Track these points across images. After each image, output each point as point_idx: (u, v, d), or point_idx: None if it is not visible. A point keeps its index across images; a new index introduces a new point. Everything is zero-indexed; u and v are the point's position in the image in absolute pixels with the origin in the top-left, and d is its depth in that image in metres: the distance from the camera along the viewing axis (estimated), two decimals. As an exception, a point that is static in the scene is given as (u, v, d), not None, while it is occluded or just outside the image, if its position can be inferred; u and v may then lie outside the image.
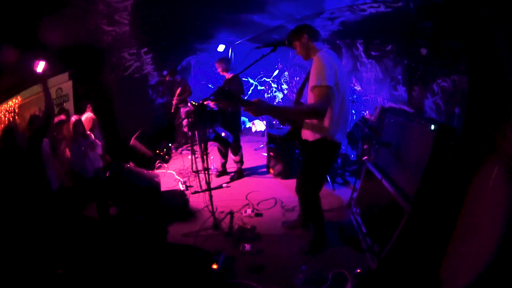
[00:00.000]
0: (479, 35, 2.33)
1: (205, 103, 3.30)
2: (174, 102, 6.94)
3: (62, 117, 4.31)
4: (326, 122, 2.58)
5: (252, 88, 9.35)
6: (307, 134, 2.75)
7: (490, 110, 2.19)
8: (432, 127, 2.53)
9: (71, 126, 3.85)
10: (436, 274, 2.42)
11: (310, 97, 2.57)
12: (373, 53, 5.15)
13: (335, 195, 4.57)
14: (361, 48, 5.43)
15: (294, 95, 3.00)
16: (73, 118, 3.93)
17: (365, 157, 4.40)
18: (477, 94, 2.42)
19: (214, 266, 2.86)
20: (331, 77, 2.38)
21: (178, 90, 6.88)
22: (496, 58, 2.10)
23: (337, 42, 6.05)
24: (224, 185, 5.04)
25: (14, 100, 4.55)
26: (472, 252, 2.10)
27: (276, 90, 9.12)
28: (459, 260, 2.24)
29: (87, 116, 4.51)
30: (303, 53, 2.73)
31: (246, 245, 3.29)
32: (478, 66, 2.45)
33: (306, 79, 2.73)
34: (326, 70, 2.38)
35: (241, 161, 5.30)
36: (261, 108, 2.26)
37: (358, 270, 2.48)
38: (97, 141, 4.05)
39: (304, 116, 2.64)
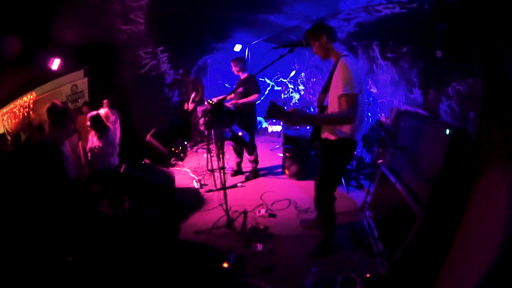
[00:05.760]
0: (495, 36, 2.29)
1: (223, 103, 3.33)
2: (190, 105, 7.04)
3: (85, 109, 4.42)
4: (348, 125, 2.63)
5: (269, 88, 9.34)
6: (328, 134, 2.77)
7: (506, 115, 2.14)
8: (447, 131, 2.49)
9: (88, 121, 3.92)
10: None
11: (335, 104, 2.56)
12: (389, 55, 5.08)
13: (349, 197, 4.53)
14: (377, 50, 5.36)
15: (314, 98, 3.00)
16: (92, 113, 4.00)
17: (380, 161, 4.36)
18: (492, 98, 2.37)
19: (225, 265, 2.90)
20: (357, 84, 2.42)
21: (193, 94, 6.97)
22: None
23: (354, 43, 5.99)
24: (239, 184, 5.08)
25: (29, 96, 4.67)
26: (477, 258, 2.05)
27: (293, 91, 9.09)
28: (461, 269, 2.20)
29: (103, 112, 4.58)
30: (322, 54, 2.73)
31: (258, 245, 3.31)
32: (493, 69, 2.39)
33: (329, 82, 2.69)
34: (353, 78, 2.41)
35: (255, 161, 5.32)
36: (297, 118, 2.41)
37: (368, 275, 2.47)
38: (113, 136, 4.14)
39: (335, 123, 2.67)
